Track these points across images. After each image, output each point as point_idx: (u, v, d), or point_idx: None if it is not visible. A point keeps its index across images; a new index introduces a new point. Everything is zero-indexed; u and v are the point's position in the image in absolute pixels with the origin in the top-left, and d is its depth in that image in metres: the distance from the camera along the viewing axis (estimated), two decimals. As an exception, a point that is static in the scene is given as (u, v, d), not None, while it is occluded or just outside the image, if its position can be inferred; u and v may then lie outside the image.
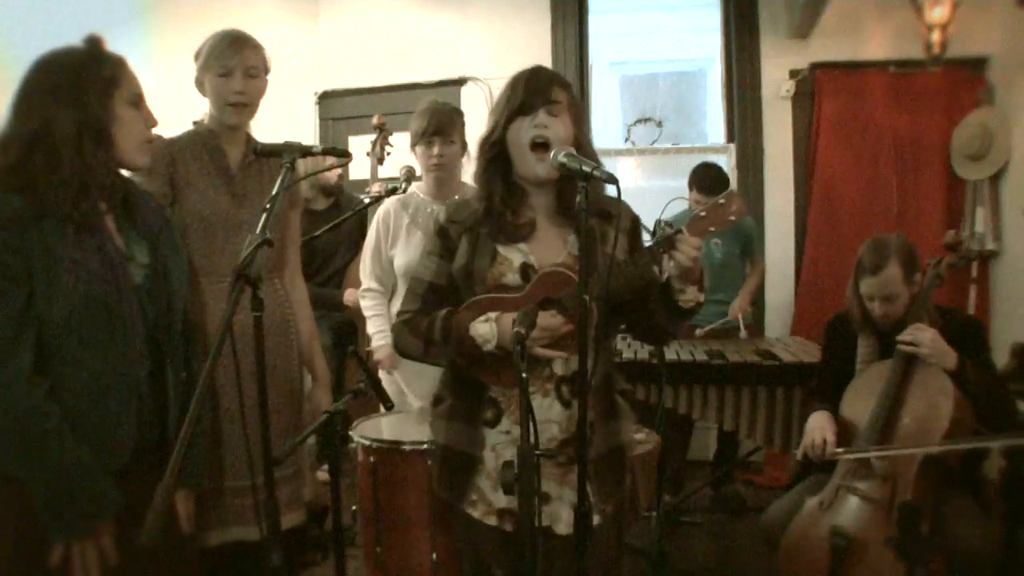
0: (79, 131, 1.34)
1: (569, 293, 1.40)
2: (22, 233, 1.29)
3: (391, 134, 3.34)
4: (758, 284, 3.63)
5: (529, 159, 1.45)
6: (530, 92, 1.45)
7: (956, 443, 1.88)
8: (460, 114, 2.45)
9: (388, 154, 3.34)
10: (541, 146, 1.44)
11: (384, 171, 3.42)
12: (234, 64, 1.84)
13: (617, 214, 1.50)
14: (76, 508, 1.31)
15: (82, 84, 1.36)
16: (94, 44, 1.42)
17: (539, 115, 1.44)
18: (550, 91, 1.44)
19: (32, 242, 1.30)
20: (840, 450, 2.01)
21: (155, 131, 1.49)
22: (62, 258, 1.32)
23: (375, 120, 3.31)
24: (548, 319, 1.39)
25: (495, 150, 1.49)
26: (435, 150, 2.35)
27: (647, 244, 1.49)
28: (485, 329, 1.40)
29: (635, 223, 1.57)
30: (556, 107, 1.44)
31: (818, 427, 2.08)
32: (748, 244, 3.55)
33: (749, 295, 3.48)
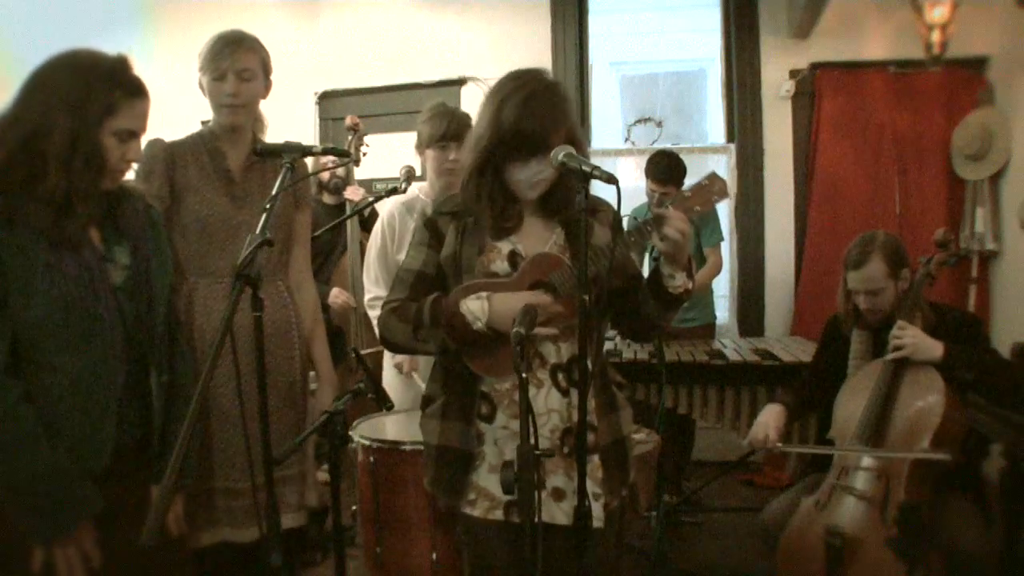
0: (72, 146, 1.32)
1: (559, 275, 1.42)
2: None
3: (366, 134, 3.32)
4: (707, 277, 3.51)
5: (520, 187, 1.48)
6: (530, 140, 1.42)
7: (926, 452, 1.87)
8: (471, 117, 2.46)
9: (364, 155, 3.32)
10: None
11: (373, 171, 3.40)
12: (226, 67, 1.85)
13: (603, 210, 1.54)
14: (51, 511, 1.30)
15: (83, 100, 1.34)
16: (116, 63, 1.40)
17: (531, 164, 1.44)
18: (549, 139, 1.42)
19: (5, 245, 1.29)
20: (780, 445, 2.10)
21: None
22: (37, 261, 1.31)
23: (348, 121, 3.26)
24: (541, 297, 1.40)
25: (487, 163, 1.48)
26: (451, 155, 2.35)
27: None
28: (476, 306, 1.40)
29: (618, 220, 1.59)
30: (552, 149, 1.43)
31: (763, 421, 2.15)
32: (700, 236, 3.48)
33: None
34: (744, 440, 2.19)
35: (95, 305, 1.36)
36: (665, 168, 3.34)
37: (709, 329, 3.65)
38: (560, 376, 1.47)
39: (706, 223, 3.48)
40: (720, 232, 3.58)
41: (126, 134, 1.40)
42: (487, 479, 1.47)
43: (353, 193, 3.22)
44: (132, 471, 1.44)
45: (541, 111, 1.42)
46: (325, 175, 3.32)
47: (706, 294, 3.63)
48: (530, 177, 1.45)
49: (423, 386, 2.42)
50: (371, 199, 3.12)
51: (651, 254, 3.17)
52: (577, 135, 1.48)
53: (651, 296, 1.47)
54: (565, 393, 1.47)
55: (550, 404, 1.46)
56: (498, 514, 1.46)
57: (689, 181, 3.42)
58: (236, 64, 1.85)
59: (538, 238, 1.52)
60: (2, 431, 1.28)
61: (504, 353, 1.40)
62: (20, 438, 1.29)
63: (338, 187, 3.37)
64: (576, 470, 1.43)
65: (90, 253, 1.39)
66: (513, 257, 1.48)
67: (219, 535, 1.82)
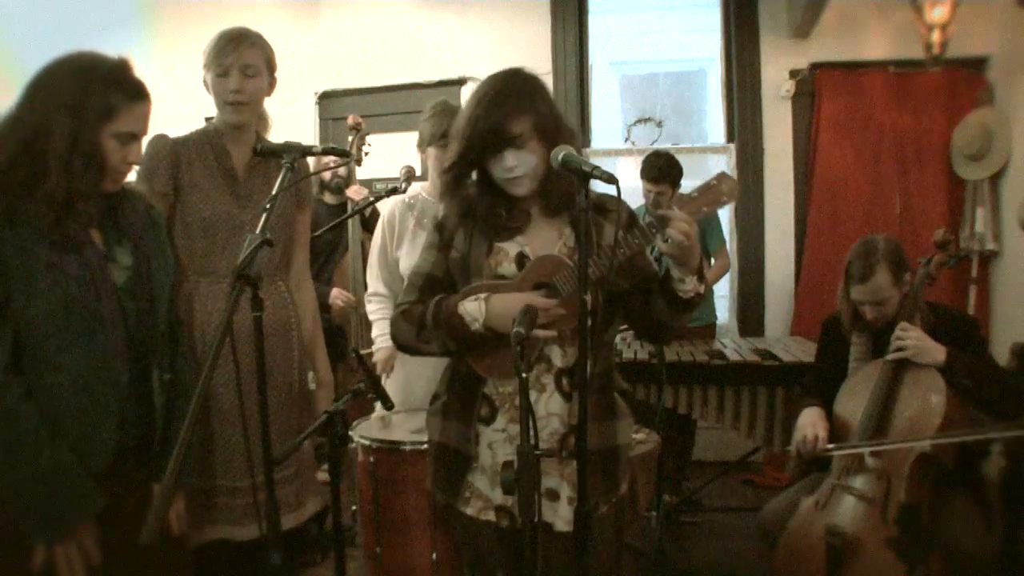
0: (71, 148, 1.33)
1: (563, 277, 1.40)
2: None
3: (368, 133, 3.32)
4: (714, 279, 3.54)
5: (507, 186, 1.47)
6: (488, 137, 1.41)
7: (949, 436, 1.88)
8: None
9: (366, 154, 3.33)
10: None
11: (373, 171, 3.39)
12: (230, 63, 1.84)
13: (613, 208, 1.50)
14: (54, 509, 1.30)
15: (83, 102, 1.34)
16: (117, 66, 1.40)
17: (506, 158, 1.42)
18: (508, 127, 1.40)
19: (7, 244, 1.30)
20: (831, 446, 2.02)
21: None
22: (39, 261, 1.31)
23: (350, 120, 3.24)
24: (540, 299, 1.39)
25: (469, 172, 1.48)
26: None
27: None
28: (473, 307, 1.40)
29: (631, 216, 1.57)
30: (519, 140, 1.41)
31: (809, 423, 2.09)
32: (705, 238, 3.48)
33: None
34: (791, 447, 2.12)
35: (97, 304, 1.36)
36: (659, 168, 3.35)
37: (710, 329, 3.65)
38: (564, 380, 1.47)
39: (708, 226, 3.48)
40: (722, 235, 3.59)
41: (126, 136, 1.40)
42: (481, 480, 1.49)
43: (355, 192, 3.22)
44: (133, 470, 1.45)
45: (496, 105, 1.41)
46: (327, 175, 3.32)
47: (708, 294, 3.63)
48: (507, 172, 1.43)
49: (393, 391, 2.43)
50: (371, 199, 3.12)
51: (651, 254, 3.16)
52: (554, 124, 1.44)
53: (662, 299, 1.45)
54: (567, 397, 1.47)
55: (551, 408, 1.46)
56: (490, 515, 1.48)
57: (686, 182, 3.47)
58: (240, 60, 1.84)
59: (547, 238, 1.51)
60: (4, 429, 1.28)
61: (505, 354, 1.39)
62: (22, 436, 1.29)
63: (340, 187, 3.37)
64: (568, 475, 1.45)
65: (92, 253, 1.39)
66: (521, 259, 1.48)
67: (217, 533, 1.82)
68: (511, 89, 1.43)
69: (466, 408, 1.49)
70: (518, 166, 1.43)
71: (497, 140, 1.41)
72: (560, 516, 1.45)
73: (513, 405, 1.45)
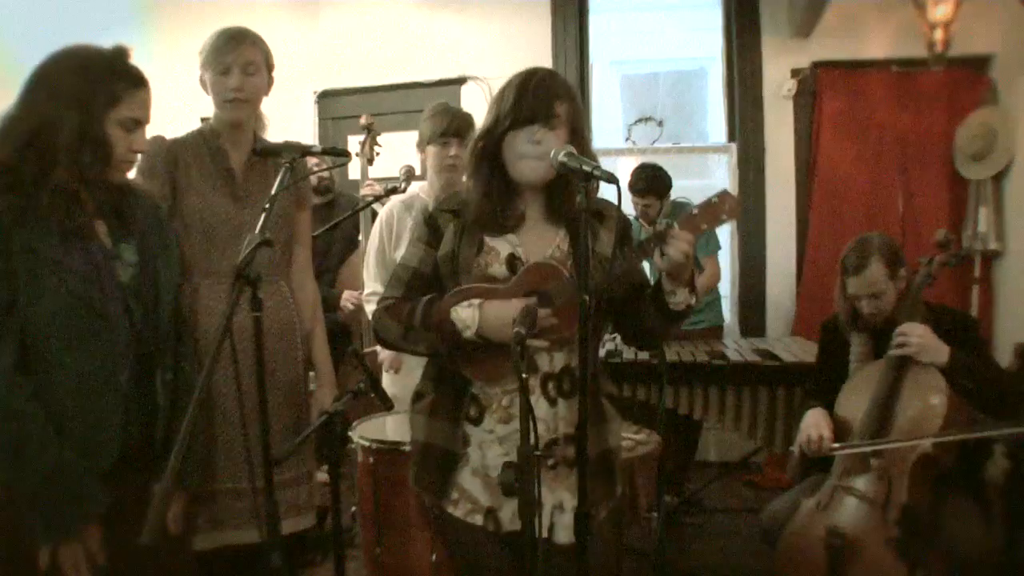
0: (80, 139, 1.34)
1: (557, 286, 1.39)
2: (4, 234, 1.30)
3: (379, 133, 3.32)
4: (704, 288, 3.50)
5: (520, 166, 1.44)
6: (531, 106, 1.41)
7: (953, 434, 1.88)
8: (472, 117, 2.47)
9: (377, 154, 3.33)
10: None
11: (373, 171, 3.40)
12: (231, 61, 1.83)
13: (610, 215, 1.50)
14: (59, 509, 1.30)
15: (87, 92, 1.35)
16: (116, 55, 1.42)
17: (536, 130, 1.41)
18: (551, 107, 1.41)
19: (14, 242, 1.30)
20: (836, 445, 2.02)
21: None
22: (45, 259, 1.32)
23: (363, 120, 3.27)
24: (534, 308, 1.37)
25: (489, 149, 1.47)
26: (452, 151, 2.37)
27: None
28: (467, 314, 1.38)
29: (625, 225, 1.56)
30: (554, 121, 1.42)
31: (813, 424, 2.09)
32: (696, 245, 3.46)
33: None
34: (794, 447, 2.12)
35: (102, 302, 1.37)
36: (645, 180, 3.36)
37: (716, 331, 3.63)
38: (550, 385, 1.45)
39: (700, 235, 3.46)
40: (717, 240, 3.57)
41: (131, 123, 1.42)
42: (471, 482, 1.46)
43: (370, 188, 3.24)
44: (137, 470, 1.44)
45: (543, 84, 1.43)
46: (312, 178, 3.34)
47: (715, 297, 3.61)
48: (532, 147, 1.41)
49: (402, 391, 2.42)
50: (370, 199, 3.13)
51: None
52: (580, 121, 1.45)
53: (653, 309, 1.44)
54: (553, 403, 1.45)
55: (537, 413, 1.42)
56: (477, 519, 1.45)
57: (687, 182, 3.45)
58: (240, 58, 1.84)
59: (540, 239, 1.49)
60: (11, 429, 1.28)
61: (494, 360, 1.39)
62: (28, 436, 1.29)
63: (328, 187, 3.39)
64: (559, 483, 1.44)
65: (98, 250, 1.39)
66: (512, 261, 1.46)
67: (222, 538, 1.81)
68: (558, 79, 1.47)
69: (455, 407, 1.47)
70: (542, 144, 1.40)
71: (535, 112, 1.41)
72: (563, 526, 1.43)
73: (500, 406, 1.44)
